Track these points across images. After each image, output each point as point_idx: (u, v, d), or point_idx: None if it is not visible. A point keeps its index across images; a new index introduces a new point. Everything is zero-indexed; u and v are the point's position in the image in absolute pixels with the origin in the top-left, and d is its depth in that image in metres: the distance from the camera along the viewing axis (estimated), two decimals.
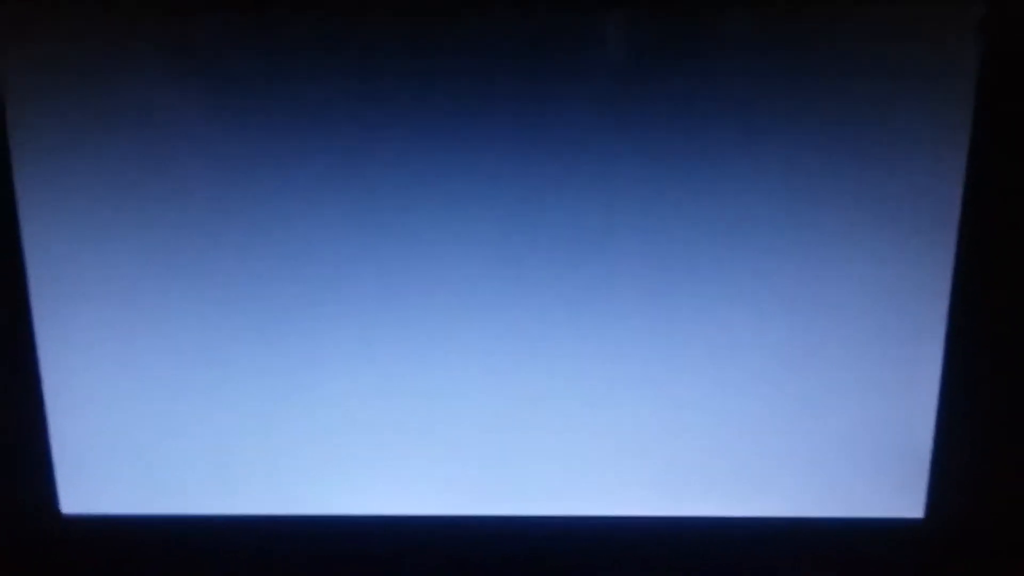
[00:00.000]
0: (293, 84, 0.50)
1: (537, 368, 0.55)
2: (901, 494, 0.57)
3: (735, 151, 0.51)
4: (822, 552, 0.59)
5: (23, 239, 0.53)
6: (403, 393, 0.56)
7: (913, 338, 0.54)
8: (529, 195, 0.52)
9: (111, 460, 0.57)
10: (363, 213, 0.53)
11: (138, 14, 0.49)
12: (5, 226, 0.53)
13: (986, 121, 0.51)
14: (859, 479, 0.57)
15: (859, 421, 0.56)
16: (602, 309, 0.54)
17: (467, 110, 0.51)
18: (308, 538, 0.59)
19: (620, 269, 0.54)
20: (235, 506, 0.58)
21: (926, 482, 0.57)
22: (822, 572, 0.59)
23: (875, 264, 0.53)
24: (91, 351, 0.55)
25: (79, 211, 0.53)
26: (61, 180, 0.52)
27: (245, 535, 0.58)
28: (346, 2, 0.49)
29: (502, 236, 0.53)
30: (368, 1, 0.49)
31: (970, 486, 0.57)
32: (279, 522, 0.58)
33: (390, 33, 0.50)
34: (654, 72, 0.50)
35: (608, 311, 0.54)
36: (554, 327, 0.55)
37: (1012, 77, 0.50)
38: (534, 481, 0.57)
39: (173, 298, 0.54)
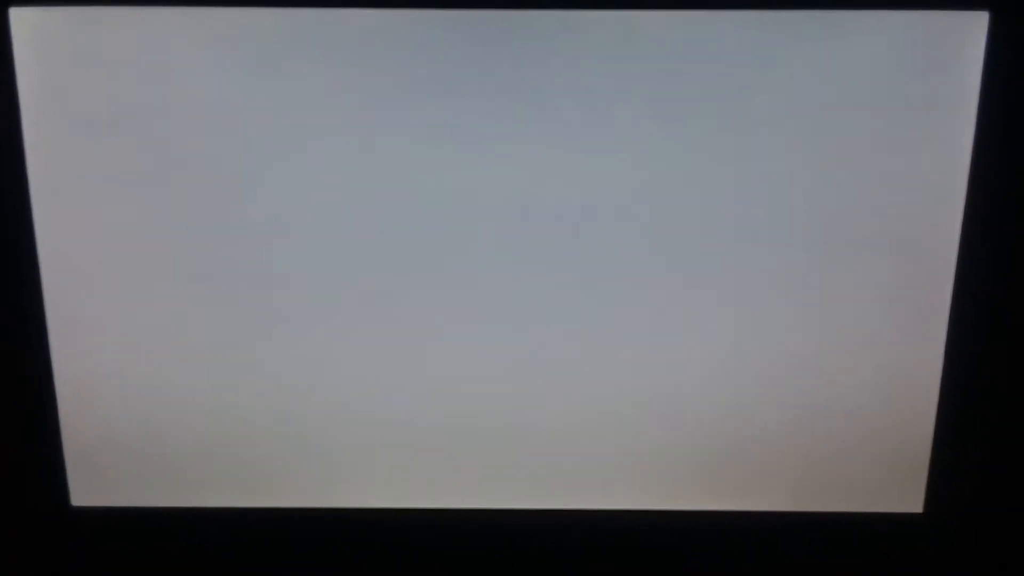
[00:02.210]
0: (299, 80, 0.51)
1: (541, 361, 0.56)
2: (900, 489, 0.58)
3: (737, 153, 0.52)
4: (821, 547, 0.59)
5: (36, 230, 0.53)
6: (409, 387, 0.56)
7: (914, 332, 0.55)
8: (533, 191, 0.53)
9: (121, 452, 0.57)
10: (372, 210, 0.53)
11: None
12: (18, 218, 0.53)
13: (990, 127, 0.51)
14: (858, 473, 0.57)
15: (859, 415, 0.56)
16: (604, 303, 0.55)
17: (467, 102, 0.51)
18: (318, 530, 0.59)
19: (623, 266, 0.54)
20: (244, 499, 0.58)
21: (925, 477, 0.57)
22: (821, 567, 0.59)
23: (877, 260, 0.54)
24: (102, 344, 0.55)
25: (92, 203, 0.53)
26: (75, 174, 0.52)
27: (254, 527, 0.59)
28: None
29: (506, 229, 0.53)
30: None
31: (969, 481, 0.57)
32: (288, 514, 0.58)
33: (389, 26, 0.50)
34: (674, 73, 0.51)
35: (609, 305, 0.55)
36: (555, 322, 0.55)
37: (1015, 82, 0.51)
38: (540, 476, 0.58)
39: (183, 291, 0.54)
